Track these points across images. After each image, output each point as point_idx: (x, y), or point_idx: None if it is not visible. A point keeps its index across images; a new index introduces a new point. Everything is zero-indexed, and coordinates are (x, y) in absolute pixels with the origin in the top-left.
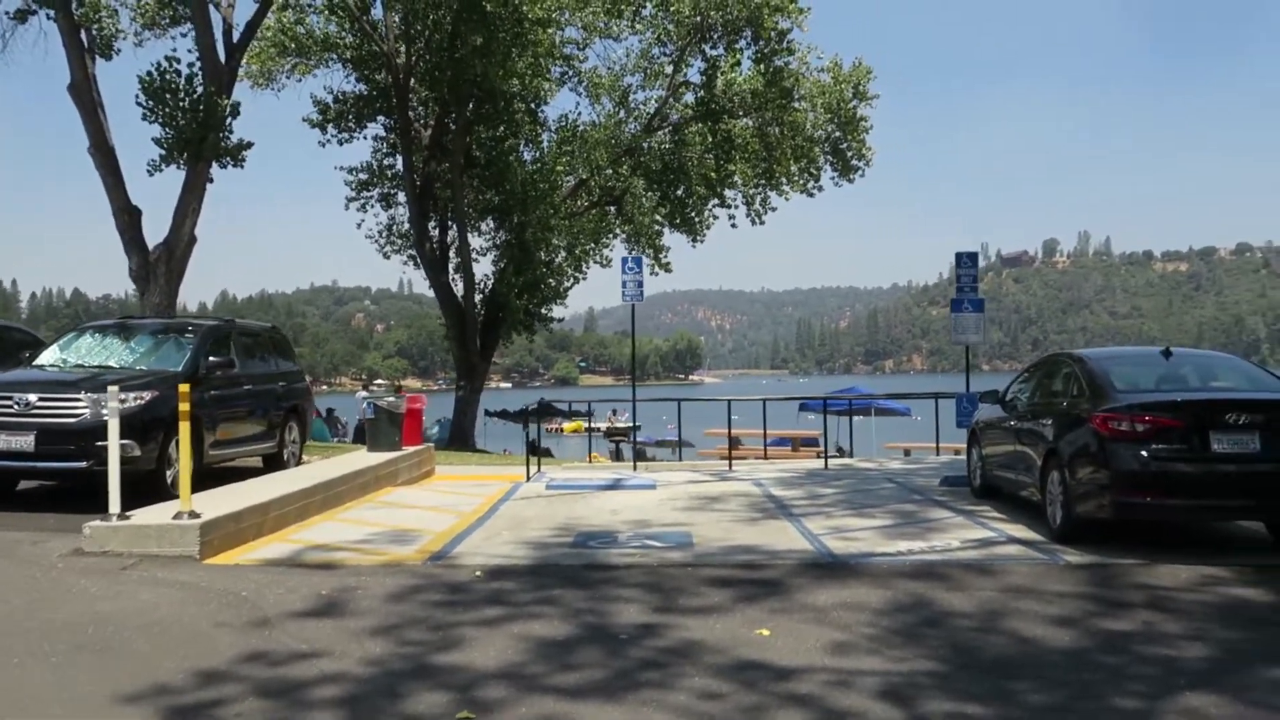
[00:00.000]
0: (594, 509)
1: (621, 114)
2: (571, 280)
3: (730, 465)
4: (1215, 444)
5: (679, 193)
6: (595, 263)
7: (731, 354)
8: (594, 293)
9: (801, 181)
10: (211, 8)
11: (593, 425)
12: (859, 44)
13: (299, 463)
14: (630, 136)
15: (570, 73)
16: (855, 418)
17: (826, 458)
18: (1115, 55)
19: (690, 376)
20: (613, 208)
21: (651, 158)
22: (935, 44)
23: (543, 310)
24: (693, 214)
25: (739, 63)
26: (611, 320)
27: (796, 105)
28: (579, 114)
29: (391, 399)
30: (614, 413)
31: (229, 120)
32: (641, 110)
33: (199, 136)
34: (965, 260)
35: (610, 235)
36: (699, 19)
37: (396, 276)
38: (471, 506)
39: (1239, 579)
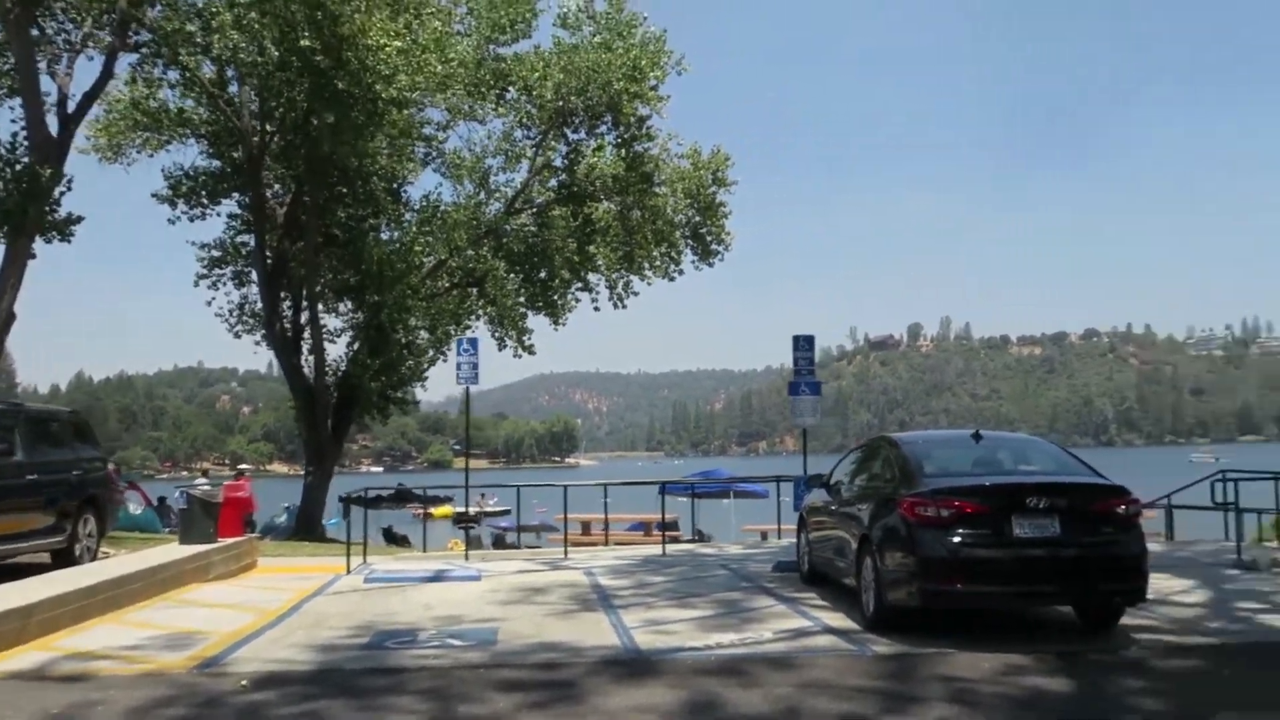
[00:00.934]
0: (409, 604)
1: (482, 195)
2: (429, 363)
3: (566, 553)
4: (1018, 529)
5: (541, 275)
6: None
7: (608, 436)
8: None
9: (663, 265)
10: (46, 76)
11: (458, 510)
12: (721, 130)
13: (94, 557)
14: (492, 218)
15: (433, 153)
16: (719, 500)
17: (665, 543)
18: (969, 144)
19: (566, 459)
20: (475, 289)
21: (513, 240)
22: (798, 127)
23: (398, 393)
24: (555, 297)
25: (602, 148)
26: (488, 402)
27: (657, 190)
28: (439, 194)
29: (207, 487)
30: (483, 496)
31: (58, 193)
32: (503, 192)
33: (20, 209)
34: (802, 344)
35: (473, 317)
36: (561, 104)
37: (266, 358)
38: (277, 603)
39: (1041, 668)
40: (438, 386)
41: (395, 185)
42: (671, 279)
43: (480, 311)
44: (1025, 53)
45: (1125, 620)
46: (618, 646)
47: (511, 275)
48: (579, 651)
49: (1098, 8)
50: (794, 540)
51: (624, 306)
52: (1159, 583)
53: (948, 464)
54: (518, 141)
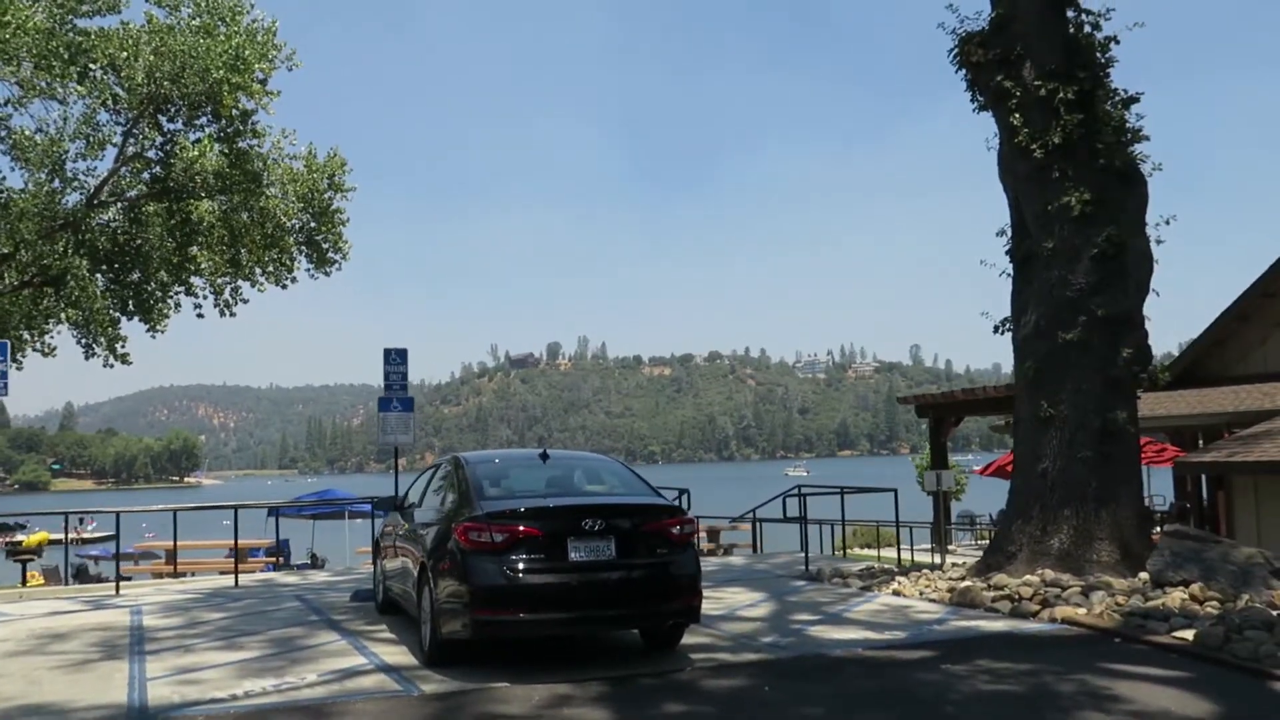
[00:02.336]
0: None
1: (57, 183)
2: None
3: (118, 589)
4: (573, 553)
5: (135, 277)
6: (35, 350)
7: (236, 454)
8: (72, 387)
9: (275, 272)
10: None
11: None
12: (357, 144)
13: None
14: (70, 210)
15: (3, 133)
16: (332, 521)
17: (237, 573)
18: (612, 173)
19: (187, 478)
20: (51, 289)
21: (99, 236)
22: (443, 155)
23: None
24: (152, 301)
25: (205, 142)
26: (96, 417)
27: (267, 191)
28: (4, 180)
29: None
30: (81, 522)
31: None
32: (84, 181)
33: None
34: (394, 357)
35: (52, 321)
36: (153, 89)
37: None
38: None
39: (589, 696)
40: (34, 400)
41: None
42: (284, 286)
43: (61, 314)
44: (668, 89)
45: (689, 639)
46: (120, 705)
47: (98, 275)
48: (65, 716)
49: (732, 60)
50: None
51: (232, 314)
52: (732, 597)
53: (511, 485)
54: (102, 126)
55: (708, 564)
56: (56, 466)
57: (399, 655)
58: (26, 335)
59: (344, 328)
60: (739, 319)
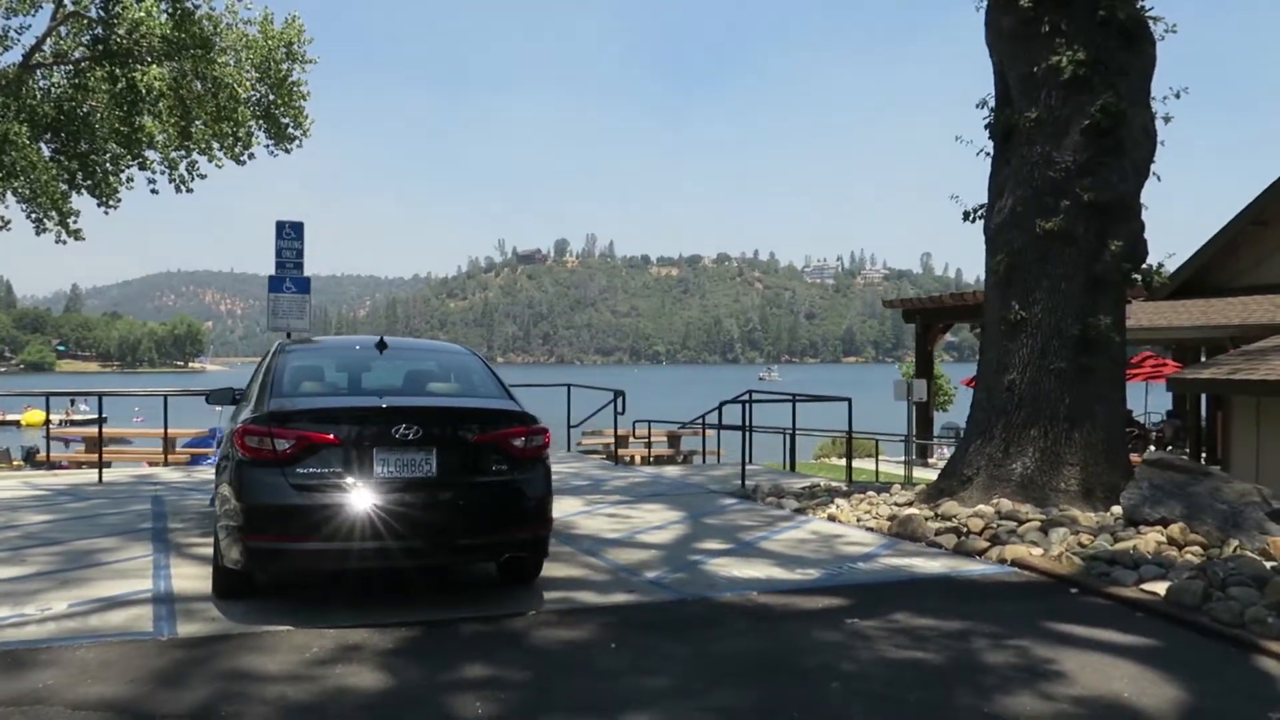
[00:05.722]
0: None
1: None
2: None
3: None
4: (380, 467)
5: (83, 148)
6: None
7: (243, 340)
8: (79, 270)
9: (231, 147)
10: None
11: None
12: (372, 41)
13: None
14: (3, 71)
15: None
16: None
17: (100, 471)
18: (619, 81)
19: (191, 364)
20: None
21: (41, 101)
22: (459, 50)
23: None
24: (103, 174)
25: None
26: (103, 300)
27: (219, 59)
28: None
29: None
30: (72, 403)
31: None
32: (16, 39)
33: None
34: (288, 231)
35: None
36: None
37: None
38: None
39: (380, 649)
40: (41, 281)
41: None
42: (241, 162)
43: (5, 185)
44: None
45: (560, 570)
46: None
47: (41, 145)
48: None
49: None
50: None
51: (189, 190)
52: (643, 515)
53: (325, 381)
54: None
55: (640, 473)
56: (61, 348)
57: (196, 581)
58: None
59: (353, 219)
60: (749, 223)
